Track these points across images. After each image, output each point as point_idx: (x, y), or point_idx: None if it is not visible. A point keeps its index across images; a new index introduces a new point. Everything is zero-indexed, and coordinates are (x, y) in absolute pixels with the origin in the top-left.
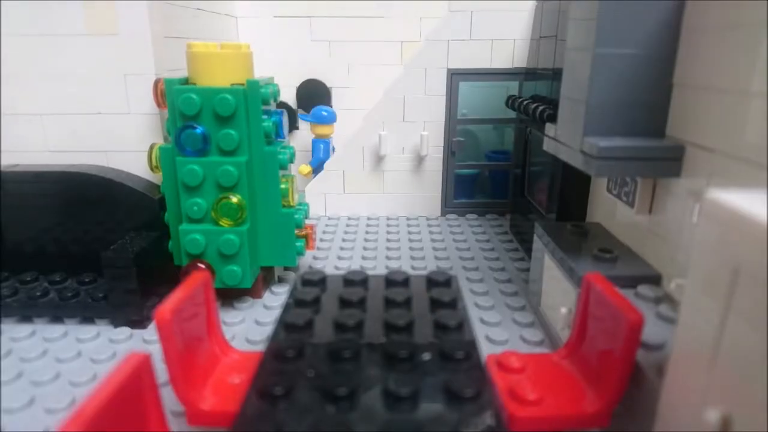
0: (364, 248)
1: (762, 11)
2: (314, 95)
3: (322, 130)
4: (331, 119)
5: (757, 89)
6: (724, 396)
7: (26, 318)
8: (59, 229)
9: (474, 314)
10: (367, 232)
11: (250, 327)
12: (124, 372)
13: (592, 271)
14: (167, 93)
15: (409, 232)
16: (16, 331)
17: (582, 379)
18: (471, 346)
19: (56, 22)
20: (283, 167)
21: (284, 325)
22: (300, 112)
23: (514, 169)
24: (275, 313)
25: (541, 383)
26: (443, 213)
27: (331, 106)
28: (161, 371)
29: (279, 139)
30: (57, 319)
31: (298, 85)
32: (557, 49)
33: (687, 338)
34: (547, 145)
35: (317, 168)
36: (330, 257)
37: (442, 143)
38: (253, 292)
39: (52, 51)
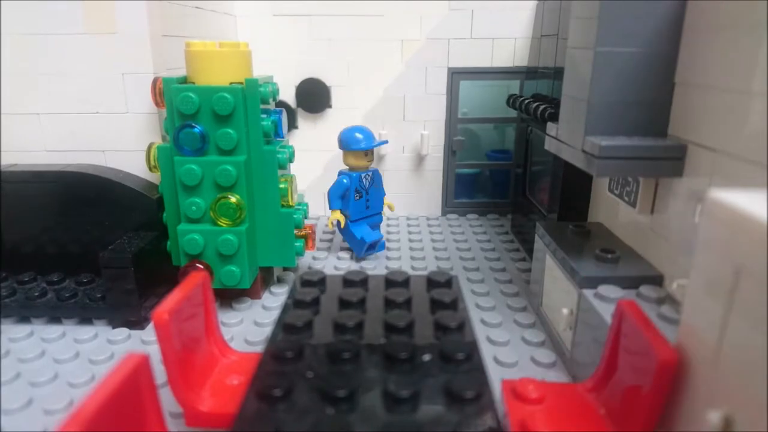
0: None
1: (763, 11)
2: (314, 94)
3: (348, 159)
4: (354, 144)
5: (759, 89)
6: (726, 396)
7: (24, 318)
8: (57, 229)
9: (475, 315)
10: None
11: (248, 328)
12: (123, 373)
13: (594, 271)
14: (165, 92)
15: (409, 232)
16: (14, 331)
17: (606, 416)
18: (472, 347)
19: (55, 20)
20: (282, 167)
21: (283, 325)
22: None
23: (515, 169)
24: (274, 314)
25: (559, 417)
26: (444, 213)
27: (331, 106)
28: (159, 372)
29: (278, 139)
30: (55, 319)
31: (297, 84)
32: (558, 48)
33: (689, 339)
34: (549, 145)
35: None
36: (330, 257)
37: (442, 142)
38: (252, 292)
39: (50, 50)
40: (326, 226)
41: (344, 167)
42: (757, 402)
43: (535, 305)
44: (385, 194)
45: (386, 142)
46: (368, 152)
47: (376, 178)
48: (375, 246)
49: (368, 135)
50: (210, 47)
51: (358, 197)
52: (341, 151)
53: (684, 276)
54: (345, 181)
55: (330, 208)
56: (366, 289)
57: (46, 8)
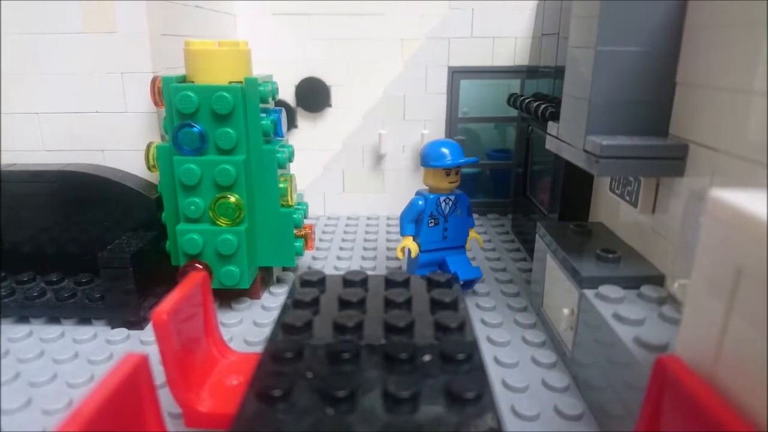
0: (364, 248)
1: (763, 9)
2: (313, 93)
3: (427, 178)
4: (433, 160)
5: (759, 88)
6: (727, 397)
7: (23, 318)
8: (56, 228)
9: (475, 315)
10: (366, 232)
11: (248, 328)
12: (122, 373)
13: (595, 271)
14: (165, 91)
15: None
16: (13, 331)
17: None
18: (472, 348)
19: (54, 20)
20: (282, 166)
21: (283, 326)
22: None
23: (515, 168)
24: (274, 314)
25: None
26: None
27: (331, 105)
28: (159, 372)
29: (277, 138)
30: (54, 319)
31: (297, 83)
32: (559, 47)
33: (690, 339)
34: (550, 144)
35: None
36: (329, 257)
37: None
38: (252, 292)
39: (49, 49)
40: (395, 256)
41: (424, 188)
42: (758, 402)
43: (535, 305)
44: (473, 225)
45: (476, 160)
46: (451, 172)
47: (461, 203)
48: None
49: (455, 151)
50: (209, 46)
51: (432, 224)
52: (338, 149)
53: (685, 276)
54: (420, 203)
55: (401, 234)
56: (366, 289)
57: (45, 8)
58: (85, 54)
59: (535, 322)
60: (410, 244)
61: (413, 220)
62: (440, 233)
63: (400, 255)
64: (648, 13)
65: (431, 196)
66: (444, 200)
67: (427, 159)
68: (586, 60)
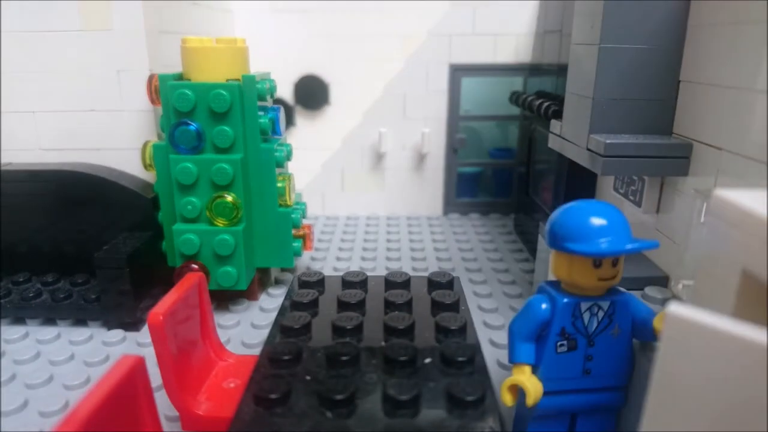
0: (364, 249)
1: (765, 8)
2: (312, 91)
3: (560, 267)
4: (578, 240)
5: (763, 86)
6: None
7: (19, 319)
8: (52, 228)
9: (477, 317)
10: (366, 232)
11: (245, 330)
12: (118, 375)
13: None
14: (161, 89)
15: (410, 232)
16: (9, 332)
17: None
18: (474, 350)
19: (50, 17)
20: (280, 165)
21: (281, 327)
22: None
23: (518, 167)
24: (272, 316)
25: None
26: (445, 212)
27: (330, 103)
28: (155, 375)
29: (275, 136)
30: (50, 320)
31: (295, 80)
32: (562, 44)
33: None
34: (552, 143)
35: None
36: (328, 258)
37: (443, 140)
38: (249, 294)
39: (45, 47)
40: (500, 400)
41: (549, 275)
42: None
43: None
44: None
45: (656, 244)
46: (604, 262)
47: (621, 314)
48: None
49: (615, 227)
50: (206, 43)
51: (564, 348)
52: (337, 148)
53: (689, 276)
54: (544, 306)
55: (510, 360)
56: (365, 290)
57: (41, 5)
58: (81, 52)
59: None
60: (527, 380)
61: (531, 336)
62: (579, 365)
63: (508, 399)
64: (651, 11)
65: (564, 299)
66: (589, 308)
67: (561, 236)
68: (590, 57)
